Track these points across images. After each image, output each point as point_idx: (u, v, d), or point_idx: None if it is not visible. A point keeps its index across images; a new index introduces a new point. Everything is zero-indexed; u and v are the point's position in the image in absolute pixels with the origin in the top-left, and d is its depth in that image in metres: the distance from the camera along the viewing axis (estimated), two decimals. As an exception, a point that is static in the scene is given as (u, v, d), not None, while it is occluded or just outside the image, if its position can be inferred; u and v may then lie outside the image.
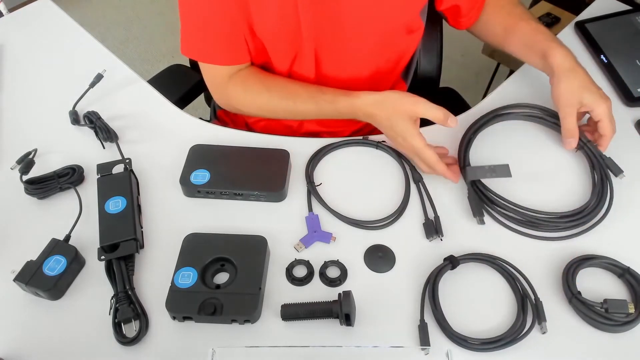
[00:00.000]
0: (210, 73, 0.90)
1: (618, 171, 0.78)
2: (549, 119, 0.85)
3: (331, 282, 0.70)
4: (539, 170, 0.82)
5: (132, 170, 0.80)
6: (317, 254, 0.73)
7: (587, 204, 0.75)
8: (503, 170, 0.78)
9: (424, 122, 0.79)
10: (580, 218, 0.74)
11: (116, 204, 0.75)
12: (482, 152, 0.83)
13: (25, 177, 0.80)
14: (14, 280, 0.67)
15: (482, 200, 0.77)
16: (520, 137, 0.86)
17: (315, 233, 0.74)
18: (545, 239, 0.74)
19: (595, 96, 0.77)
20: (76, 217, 0.75)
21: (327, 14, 0.80)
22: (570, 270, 0.68)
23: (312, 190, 0.79)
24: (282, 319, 0.66)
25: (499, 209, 0.76)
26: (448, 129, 0.79)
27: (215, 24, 0.82)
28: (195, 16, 0.82)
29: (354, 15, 0.82)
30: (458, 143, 0.84)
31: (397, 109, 0.77)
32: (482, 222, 0.75)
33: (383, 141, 0.85)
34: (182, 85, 1.11)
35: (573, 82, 0.78)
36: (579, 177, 0.81)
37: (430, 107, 0.75)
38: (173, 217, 0.77)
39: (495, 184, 0.78)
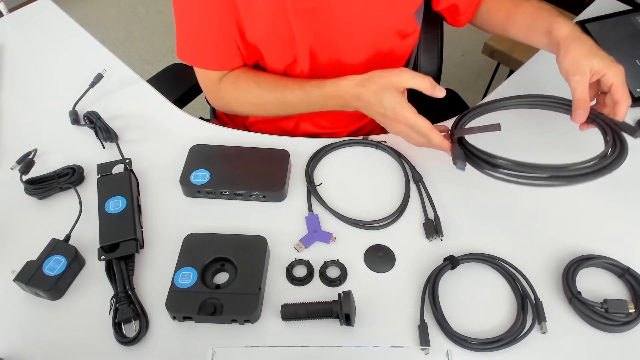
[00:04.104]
0: (204, 76, 0.91)
1: (633, 130, 0.73)
2: (553, 102, 0.79)
3: (331, 282, 0.70)
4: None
5: (132, 170, 0.80)
6: (317, 254, 0.73)
7: (603, 153, 0.69)
8: (493, 127, 0.72)
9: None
10: (594, 165, 0.68)
11: (116, 204, 0.75)
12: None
13: (25, 177, 0.80)
14: (14, 280, 0.67)
15: (484, 167, 0.72)
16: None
17: (315, 233, 0.74)
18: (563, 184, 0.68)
19: (605, 61, 0.73)
20: (76, 217, 0.75)
21: (319, 21, 0.80)
22: (570, 270, 0.68)
23: (312, 190, 0.79)
24: (282, 319, 0.66)
25: (504, 170, 0.70)
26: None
27: (205, 31, 0.82)
28: (187, 21, 0.83)
29: (347, 20, 0.81)
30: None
31: (383, 83, 0.76)
32: (462, 167, 0.72)
33: (383, 141, 0.85)
34: (182, 85, 1.11)
35: (582, 49, 0.74)
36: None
37: (416, 76, 0.75)
38: (173, 217, 0.77)
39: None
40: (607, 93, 0.75)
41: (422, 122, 0.75)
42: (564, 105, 0.78)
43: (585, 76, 0.72)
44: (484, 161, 0.72)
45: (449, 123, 0.85)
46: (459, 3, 0.91)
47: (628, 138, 0.72)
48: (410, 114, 0.75)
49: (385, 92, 0.76)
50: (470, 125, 0.79)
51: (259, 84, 0.87)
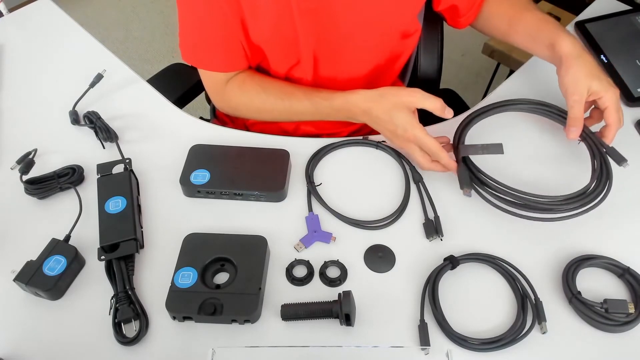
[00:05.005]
0: (209, 78, 0.91)
1: (621, 159, 0.76)
2: (551, 111, 0.83)
3: (331, 282, 0.70)
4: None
5: (132, 170, 0.80)
6: (317, 254, 0.73)
7: (584, 189, 0.73)
8: (496, 148, 0.76)
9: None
10: (576, 201, 0.72)
11: (116, 204, 0.75)
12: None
13: (25, 177, 0.80)
14: (14, 280, 0.67)
15: (472, 180, 0.76)
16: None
17: (315, 233, 0.74)
18: (539, 220, 0.73)
19: (603, 83, 0.76)
20: (76, 217, 0.75)
21: (323, 21, 0.80)
22: (570, 270, 0.69)
23: (312, 190, 0.79)
24: (282, 319, 0.66)
25: (490, 190, 0.75)
26: (447, 131, 0.80)
27: (210, 31, 0.82)
28: (191, 22, 0.83)
29: (351, 21, 0.81)
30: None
31: (395, 102, 0.77)
32: (468, 194, 0.75)
33: (383, 141, 0.85)
34: (182, 85, 1.11)
35: (582, 69, 0.76)
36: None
37: (427, 97, 0.76)
38: (173, 217, 0.77)
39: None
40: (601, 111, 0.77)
41: (432, 143, 0.75)
42: (560, 116, 0.82)
43: (583, 96, 0.76)
44: (479, 180, 0.75)
45: (448, 124, 0.86)
46: (459, 4, 0.91)
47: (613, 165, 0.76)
48: (420, 133, 0.76)
49: (396, 110, 0.76)
50: (472, 127, 0.82)
51: (266, 90, 0.87)
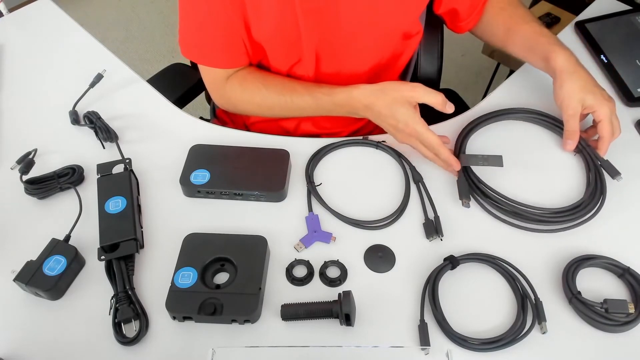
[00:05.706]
0: (209, 75, 0.90)
1: (615, 173, 0.78)
2: (549, 121, 0.86)
3: (331, 282, 0.70)
4: (534, 168, 0.82)
5: (132, 170, 0.80)
6: (317, 254, 0.73)
7: (578, 203, 0.76)
8: (496, 160, 0.79)
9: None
10: (568, 215, 0.74)
11: (116, 204, 0.75)
12: (478, 149, 0.83)
13: (25, 177, 0.80)
14: (14, 280, 0.67)
15: (472, 188, 0.78)
16: (519, 136, 0.86)
17: (315, 233, 0.74)
18: (532, 231, 0.75)
19: (597, 97, 0.78)
20: (76, 217, 0.75)
21: (326, 21, 0.80)
22: (570, 270, 0.69)
23: (312, 190, 0.79)
24: (282, 319, 0.66)
25: (489, 199, 0.77)
26: (448, 130, 0.80)
27: (212, 28, 0.82)
28: (193, 18, 0.83)
29: (354, 21, 0.82)
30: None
31: (396, 96, 0.77)
32: (467, 205, 0.76)
33: (383, 141, 0.85)
34: (182, 85, 1.11)
35: (576, 84, 0.78)
36: (575, 178, 0.80)
37: (429, 92, 0.76)
38: (173, 217, 0.77)
39: (487, 178, 0.78)
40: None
41: (433, 138, 0.76)
42: (557, 127, 0.85)
43: (577, 111, 0.78)
44: (478, 189, 0.77)
45: (447, 124, 0.86)
46: (460, 8, 0.92)
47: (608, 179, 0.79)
48: (422, 128, 0.76)
49: (397, 105, 0.77)
50: (474, 136, 0.84)
51: (267, 86, 0.87)
